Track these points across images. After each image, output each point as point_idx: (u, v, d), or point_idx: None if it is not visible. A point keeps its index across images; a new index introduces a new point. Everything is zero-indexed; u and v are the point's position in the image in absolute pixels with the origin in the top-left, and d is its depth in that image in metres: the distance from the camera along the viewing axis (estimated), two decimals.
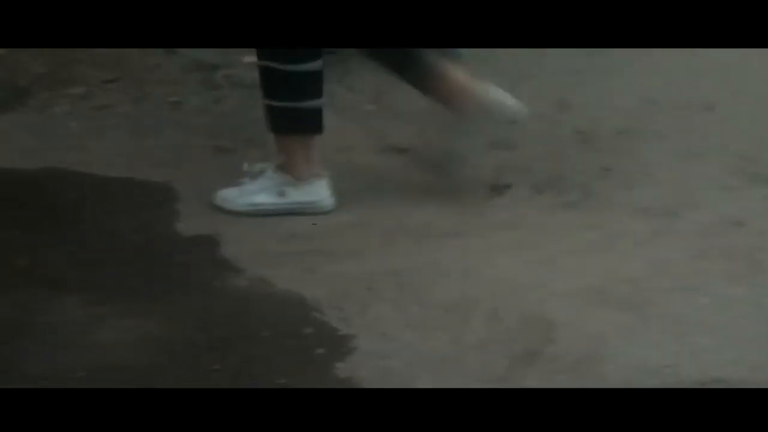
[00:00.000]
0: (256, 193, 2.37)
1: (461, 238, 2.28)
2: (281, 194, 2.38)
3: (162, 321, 1.95)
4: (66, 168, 2.49)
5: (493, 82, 2.78)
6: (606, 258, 2.17)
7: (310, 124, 2.37)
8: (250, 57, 2.85)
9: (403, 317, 1.97)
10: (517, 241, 2.27)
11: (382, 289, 2.06)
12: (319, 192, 2.38)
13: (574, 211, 2.38)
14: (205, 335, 1.91)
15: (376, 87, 2.89)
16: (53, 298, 2.01)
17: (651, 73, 2.86)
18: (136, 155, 2.55)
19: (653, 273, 2.11)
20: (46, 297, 2.01)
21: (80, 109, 2.73)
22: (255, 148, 2.51)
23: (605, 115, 2.71)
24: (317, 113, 2.37)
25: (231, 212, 2.34)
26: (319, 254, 2.19)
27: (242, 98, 2.78)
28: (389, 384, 1.78)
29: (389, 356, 1.85)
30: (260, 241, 2.25)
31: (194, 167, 2.50)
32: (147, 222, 2.31)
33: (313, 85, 2.34)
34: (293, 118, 2.39)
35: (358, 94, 2.85)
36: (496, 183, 2.50)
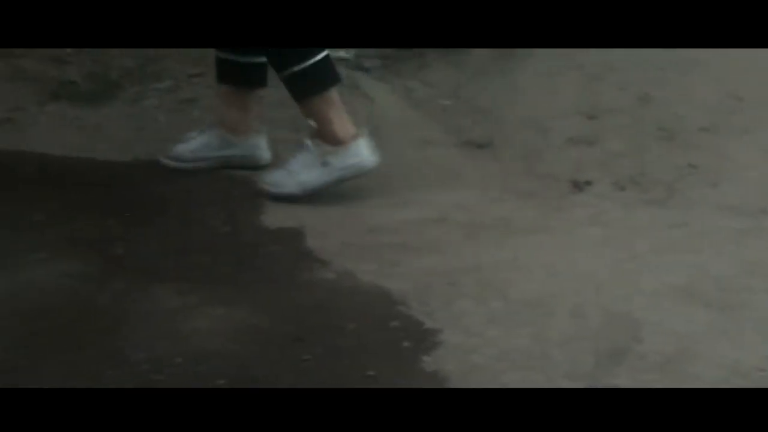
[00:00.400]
0: (301, 171, 2.36)
1: (542, 234, 2.26)
2: (324, 165, 2.37)
3: (251, 310, 1.96)
4: (156, 160, 2.51)
5: (575, 76, 2.78)
6: (693, 256, 2.14)
7: (329, 75, 2.34)
8: (339, 52, 2.86)
9: (487, 313, 1.96)
10: (600, 238, 2.24)
11: (465, 285, 2.05)
12: (360, 152, 2.37)
13: (659, 209, 2.35)
14: (294, 326, 1.92)
15: (454, 81, 2.88)
16: (148, 286, 2.03)
17: (734, 69, 2.79)
18: None
19: (742, 272, 2.07)
20: (142, 285, 2.03)
21: (168, 102, 2.76)
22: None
23: (689, 110, 2.66)
24: (328, 63, 2.34)
25: (283, 196, 2.31)
26: (401, 248, 2.19)
27: None
28: (475, 379, 1.76)
29: (474, 351, 1.84)
30: (344, 234, 2.25)
31: (277, 159, 2.50)
32: (233, 213, 2.32)
33: None
34: (313, 76, 2.33)
35: (435, 88, 2.83)
36: (577, 179, 2.47)
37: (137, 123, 2.67)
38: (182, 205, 2.36)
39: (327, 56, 2.37)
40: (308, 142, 2.40)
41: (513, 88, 2.80)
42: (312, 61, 2.34)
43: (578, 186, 2.43)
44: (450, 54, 2.89)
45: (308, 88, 2.37)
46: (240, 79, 2.42)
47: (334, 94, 2.38)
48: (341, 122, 2.38)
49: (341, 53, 2.82)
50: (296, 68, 2.33)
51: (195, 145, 2.47)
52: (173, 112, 2.71)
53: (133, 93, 2.77)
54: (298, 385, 1.72)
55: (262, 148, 2.47)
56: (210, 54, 2.61)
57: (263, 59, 2.40)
